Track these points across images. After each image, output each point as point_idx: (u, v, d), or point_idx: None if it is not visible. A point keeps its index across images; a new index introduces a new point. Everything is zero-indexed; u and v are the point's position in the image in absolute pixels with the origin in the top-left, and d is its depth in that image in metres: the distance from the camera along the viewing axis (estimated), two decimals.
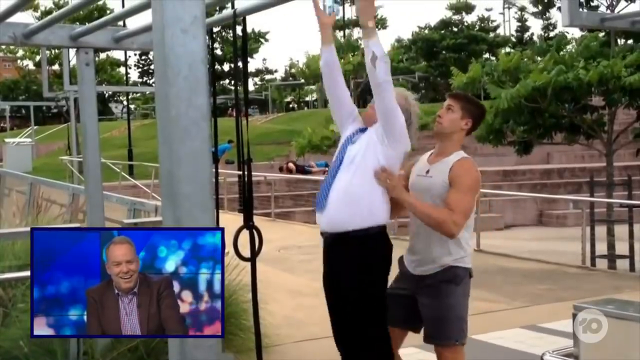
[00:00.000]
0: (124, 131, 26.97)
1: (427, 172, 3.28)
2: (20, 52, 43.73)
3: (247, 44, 3.33)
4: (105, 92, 45.70)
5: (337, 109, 3.34)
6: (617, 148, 13.04)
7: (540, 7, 24.60)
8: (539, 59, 13.26)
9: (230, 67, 41.61)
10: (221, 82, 42.25)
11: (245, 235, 2.95)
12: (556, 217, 18.53)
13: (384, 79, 2.97)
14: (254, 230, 2.96)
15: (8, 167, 20.54)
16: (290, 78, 53.74)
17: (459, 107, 3.27)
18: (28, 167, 22.64)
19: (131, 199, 7.41)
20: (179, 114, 1.45)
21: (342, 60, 25.28)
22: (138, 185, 17.88)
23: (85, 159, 3.90)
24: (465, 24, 43.14)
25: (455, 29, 42.14)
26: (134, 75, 51.98)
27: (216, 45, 42.83)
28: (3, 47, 34.80)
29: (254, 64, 51.89)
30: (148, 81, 51.89)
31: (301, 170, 22.50)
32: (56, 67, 34.78)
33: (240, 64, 3.49)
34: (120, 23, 4.48)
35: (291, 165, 22.14)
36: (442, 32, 41.71)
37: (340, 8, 39.93)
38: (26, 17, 27.41)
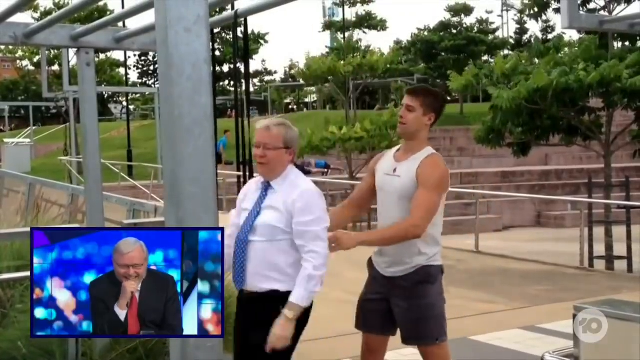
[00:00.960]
0: (123, 132, 26.94)
1: (395, 170, 3.25)
2: (20, 53, 43.65)
3: (249, 45, 3.34)
4: (104, 93, 45.63)
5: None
6: (615, 149, 13.04)
7: (537, 9, 24.62)
8: (536, 61, 13.26)
9: (230, 67, 41.59)
10: (221, 83, 42.24)
11: None
12: (554, 218, 18.52)
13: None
14: None
15: (7, 168, 20.52)
16: (290, 79, 53.75)
17: (419, 104, 3.23)
18: (27, 168, 22.61)
19: (131, 200, 7.41)
20: (182, 114, 1.45)
21: (342, 62, 25.22)
22: (137, 186, 17.87)
23: (85, 160, 3.89)
24: (464, 26, 43.15)
25: (454, 31, 42.14)
26: (133, 76, 51.96)
27: (216, 46, 42.76)
28: (2, 47, 34.76)
29: (253, 65, 51.85)
30: (147, 82, 51.88)
31: (301, 169, 22.50)
32: (55, 67, 34.74)
33: (240, 64, 3.51)
34: (120, 24, 4.48)
35: None
36: (441, 34, 41.67)
37: (340, 10, 39.94)
38: (25, 18, 27.36)
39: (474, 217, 11.63)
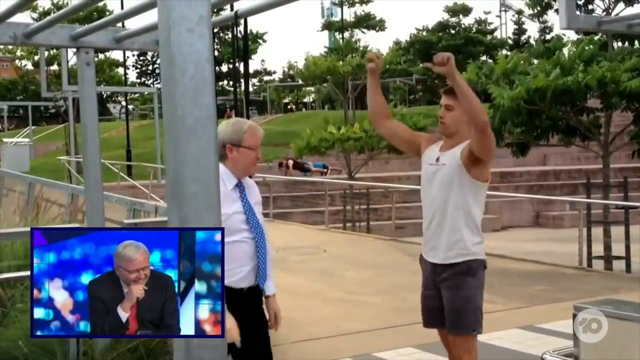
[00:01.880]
0: (122, 131, 26.96)
1: (438, 159, 3.31)
2: (19, 52, 43.64)
3: (248, 46, 3.36)
4: (103, 93, 45.62)
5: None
6: (613, 150, 13.06)
7: (537, 9, 24.62)
8: (535, 61, 13.27)
9: (228, 67, 41.59)
10: (219, 83, 42.25)
11: None
12: (553, 219, 18.56)
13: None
14: None
15: (6, 167, 20.54)
16: (289, 79, 53.74)
17: (457, 102, 3.26)
18: (26, 167, 22.62)
19: (131, 200, 7.42)
20: (185, 114, 1.45)
21: (342, 62, 25.22)
22: (136, 186, 17.87)
23: (85, 159, 3.89)
24: (463, 26, 43.21)
25: (452, 31, 42.21)
26: (132, 75, 51.95)
27: (215, 46, 42.77)
28: (1, 47, 34.74)
29: (252, 65, 51.88)
30: (146, 82, 51.87)
31: (300, 167, 22.57)
32: (54, 67, 34.72)
33: (239, 64, 3.53)
34: (120, 24, 4.49)
35: (290, 161, 22.25)
36: (440, 34, 41.77)
37: (339, 10, 39.95)
38: (24, 18, 27.34)
39: None
